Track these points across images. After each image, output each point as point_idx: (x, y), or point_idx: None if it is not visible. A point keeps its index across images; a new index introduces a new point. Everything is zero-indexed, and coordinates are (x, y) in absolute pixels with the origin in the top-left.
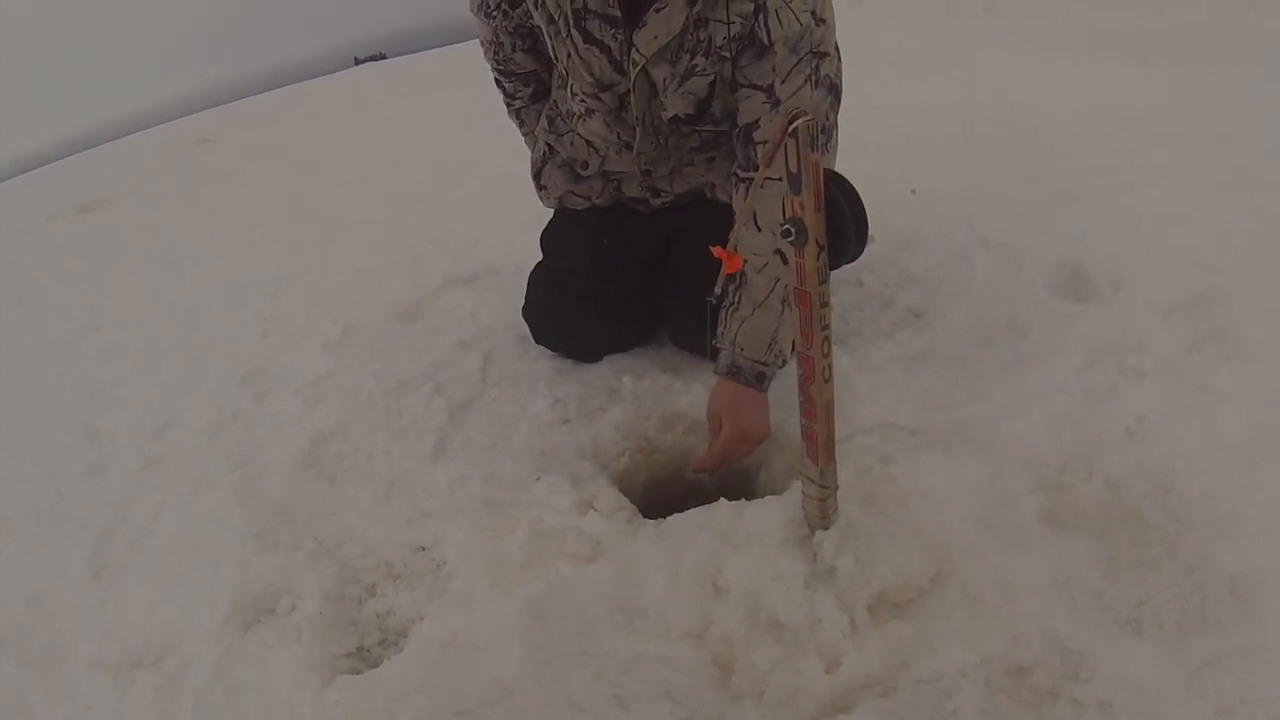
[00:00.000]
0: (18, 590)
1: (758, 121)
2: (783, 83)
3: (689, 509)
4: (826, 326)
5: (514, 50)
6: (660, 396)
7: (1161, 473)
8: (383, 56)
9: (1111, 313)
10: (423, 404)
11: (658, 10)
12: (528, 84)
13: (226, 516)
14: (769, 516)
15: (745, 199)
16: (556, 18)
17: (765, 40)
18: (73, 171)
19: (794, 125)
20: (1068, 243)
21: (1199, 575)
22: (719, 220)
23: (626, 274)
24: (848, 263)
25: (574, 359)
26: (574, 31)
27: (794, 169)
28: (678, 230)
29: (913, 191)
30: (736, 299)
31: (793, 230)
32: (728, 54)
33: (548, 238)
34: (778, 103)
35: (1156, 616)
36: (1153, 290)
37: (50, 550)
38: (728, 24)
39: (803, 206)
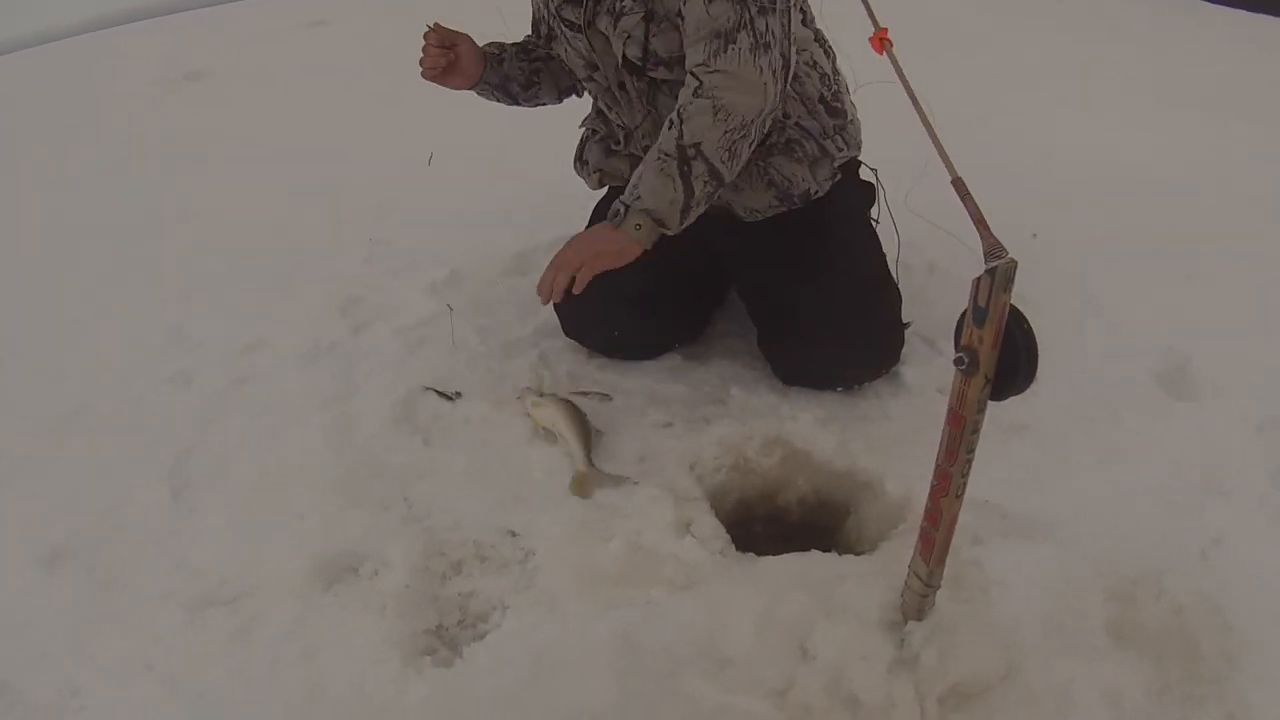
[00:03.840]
0: (90, 498)
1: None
2: (685, 4)
3: (776, 535)
4: (971, 451)
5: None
6: (766, 416)
7: (1225, 606)
8: None
9: (1207, 418)
10: (527, 373)
11: None
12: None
13: (314, 459)
14: (867, 594)
15: (690, 96)
16: (550, 21)
17: None
18: (180, 32)
19: (993, 265)
20: (1178, 330)
21: None
22: (767, 240)
23: (667, 270)
24: (1009, 397)
25: (603, 355)
26: (558, 24)
27: (982, 303)
28: (731, 250)
29: (1034, 236)
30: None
31: (965, 359)
32: None
33: (594, 215)
34: (685, 23)
35: None
36: (1250, 400)
37: (128, 460)
38: None
39: (981, 341)
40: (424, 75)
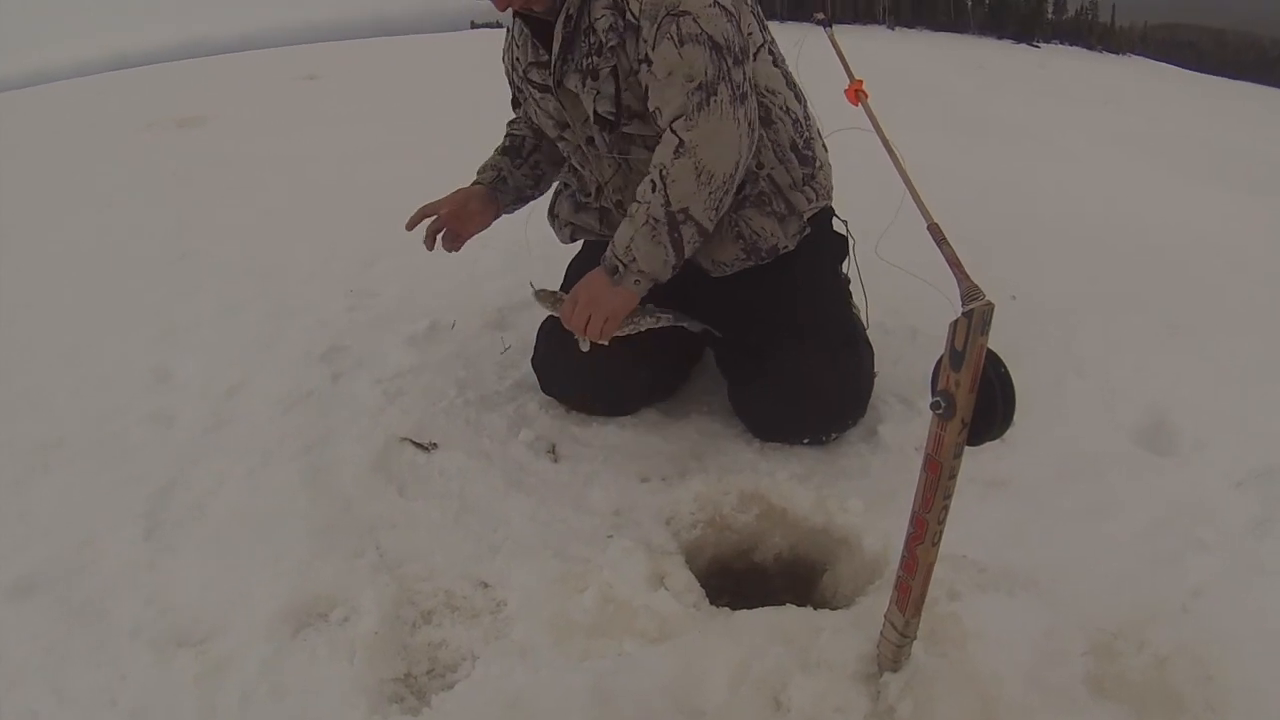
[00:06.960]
0: (66, 529)
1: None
2: (654, 49)
3: (751, 592)
4: (948, 497)
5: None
6: (743, 472)
7: (1208, 657)
8: (500, 25)
9: (1188, 473)
10: (504, 427)
11: (553, 32)
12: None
13: (291, 504)
14: (843, 646)
15: (671, 157)
16: (519, 83)
17: (634, 20)
18: (174, 80)
19: (970, 307)
20: (1159, 386)
21: None
22: (733, 295)
23: None
24: (986, 442)
25: (580, 411)
26: (527, 87)
27: (959, 346)
28: (700, 304)
29: (1013, 298)
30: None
31: (942, 403)
32: (615, 42)
33: (569, 272)
34: (655, 68)
35: None
36: (1231, 455)
37: (105, 493)
38: (602, 18)
39: (958, 384)
40: (447, 250)
